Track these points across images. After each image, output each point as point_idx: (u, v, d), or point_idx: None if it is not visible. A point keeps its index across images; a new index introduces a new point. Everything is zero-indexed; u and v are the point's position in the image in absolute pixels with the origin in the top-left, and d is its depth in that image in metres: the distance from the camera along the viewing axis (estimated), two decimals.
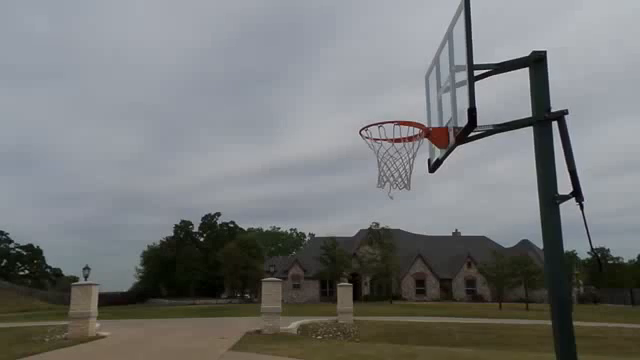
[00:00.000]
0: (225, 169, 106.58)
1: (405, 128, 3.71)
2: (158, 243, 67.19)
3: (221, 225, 69.26)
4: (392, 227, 48.99)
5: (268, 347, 11.07)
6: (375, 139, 3.69)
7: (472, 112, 3.11)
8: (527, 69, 3.49)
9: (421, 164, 3.98)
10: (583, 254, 54.22)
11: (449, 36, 3.51)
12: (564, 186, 3.26)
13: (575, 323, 3.28)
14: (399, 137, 3.68)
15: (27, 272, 64.60)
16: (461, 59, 3.26)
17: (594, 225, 3.35)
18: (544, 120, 3.35)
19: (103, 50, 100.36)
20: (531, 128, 3.43)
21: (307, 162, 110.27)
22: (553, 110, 3.35)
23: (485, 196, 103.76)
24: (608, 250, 67.48)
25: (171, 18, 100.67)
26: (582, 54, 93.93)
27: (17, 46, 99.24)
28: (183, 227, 68.49)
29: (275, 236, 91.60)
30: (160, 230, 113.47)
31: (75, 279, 18.39)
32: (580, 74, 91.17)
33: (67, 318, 14.29)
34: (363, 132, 3.74)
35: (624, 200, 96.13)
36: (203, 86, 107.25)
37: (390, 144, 3.72)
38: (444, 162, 3.94)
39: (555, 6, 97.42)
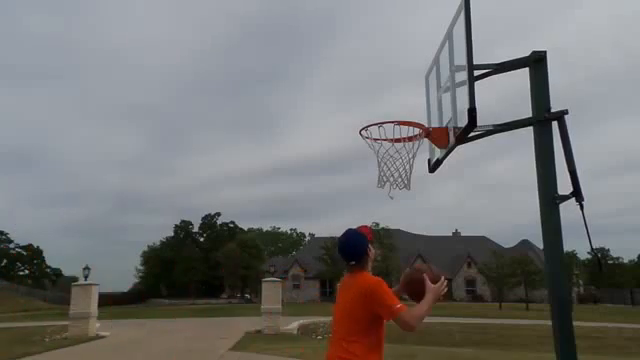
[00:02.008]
0: (225, 169, 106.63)
1: (405, 128, 3.70)
2: (158, 243, 67.16)
3: (221, 225, 69.18)
4: (392, 227, 48.97)
5: (268, 347, 11.07)
6: (375, 139, 3.68)
7: (472, 112, 3.11)
8: (527, 69, 3.49)
9: (421, 164, 3.97)
10: (583, 254, 54.19)
11: (449, 36, 3.51)
12: (564, 186, 3.26)
13: (575, 323, 3.28)
14: (399, 137, 3.68)
15: (27, 272, 64.56)
16: (461, 59, 3.26)
17: (594, 225, 3.35)
18: (544, 120, 3.35)
19: (103, 50, 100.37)
20: (531, 128, 3.43)
21: (307, 162, 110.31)
22: (553, 110, 3.35)
23: (485, 196, 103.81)
24: (608, 250, 67.44)
25: (171, 18, 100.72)
26: (582, 54, 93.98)
27: (17, 46, 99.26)
28: (183, 227, 68.42)
29: (275, 236, 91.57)
30: (160, 230, 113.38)
31: (75, 279, 18.38)
32: (580, 74, 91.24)
33: (67, 318, 14.29)
34: (363, 132, 3.73)
35: (624, 200, 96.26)
36: (203, 86, 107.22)
37: (390, 144, 3.72)
38: (444, 162, 3.94)
39: (555, 6, 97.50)
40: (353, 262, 2.79)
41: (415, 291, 2.81)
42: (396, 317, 2.54)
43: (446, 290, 2.83)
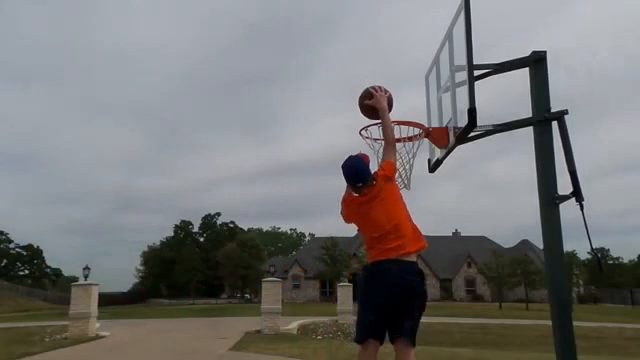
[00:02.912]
0: (225, 169, 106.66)
1: (405, 128, 3.71)
2: (158, 243, 67.17)
3: (221, 225, 69.21)
4: None
5: (268, 347, 11.06)
6: (375, 139, 3.69)
7: (472, 112, 3.11)
8: (527, 69, 3.49)
9: (421, 164, 3.98)
10: (583, 254, 54.11)
11: (449, 36, 3.51)
12: (564, 186, 3.26)
13: (575, 323, 3.27)
14: (399, 137, 3.68)
15: (27, 272, 64.54)
16: (461, 59, 3.26)
17: (594, 225, 3.35)
18: (544, 120, 3.35)
19: (103, 50, 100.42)
20: (531, 128, 3.43)
21: (307, 162, 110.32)
22: (553, 110, 3.35)
23: (485, 196, 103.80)
24: (608, 250, 67.46)
25: (171, 18, 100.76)
26: (582, 54, 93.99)
27: (17, 46, 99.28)
28: (183, 227, 68.45)
29: (275, 236, 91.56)
30: (160, 230, 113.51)
31: (75, 279, 18.39)
32: (580, 74, 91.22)
33: (67, 318, 14.28)
34: (363, 132, 3.74)
35: (624, 200, 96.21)
36: (203, 86, 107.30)
37: None
38: (444, 162, 3.94)
39: (555, 6, 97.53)
40: (360, 184, 3.08)
41: (369, 107, 3.35)
42: (386, 159, 3.18)
43: (383, 94, 3.32)
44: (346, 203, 3.22)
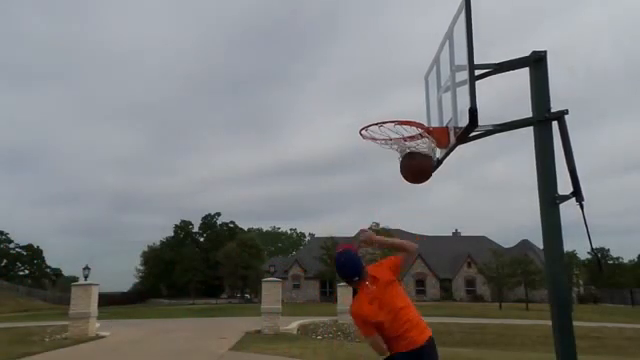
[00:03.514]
0: (225, 169, 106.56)
1: (406, 128, 3.71)
2: (158, 243, 67.12)
3: (221, 225, 69.15)
4: (392, 227, 48.91)
5: (268, 347, 11.07)
6: (375, 139, 3.69)
7: (473, 112, 3.11)
8: (527, 69, 3.49)
9: None
10: (583, 254, 54.07)
11: (449, 36, 3.51)
12: (564, 186, 3.26)
13: (575, 323, 3.28)
14: (399, 137, 3.68)
15: (27, 272, 64.52)
16: (461, 59, 3.25)
17: (594, 225, 3.35)
18: (544, 120, 3.35)
19: (103, 50, 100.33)
20: (531, 128, 3.43)
21: (307, 162, 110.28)
22: (553, 110, 3.35)
23: (485, 196, 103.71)
24: (608, 250, 67.35)
25: (171, 18, 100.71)
26: (582, 54, 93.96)
27: (17, 46, 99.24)
28: (183, 227, 68.40)
29: (275, 236, 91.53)
30: (160, 230, 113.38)
31: (75, 279, 18.38)
32: (580, 74, 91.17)
33: (67, 318, 14.29)
34: (363, 132, 3.74)
35: (624, 200, 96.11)
36: (203, 86, 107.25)
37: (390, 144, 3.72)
38: (444, 162, 3.94)
39: (555, 6, 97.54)
40: (357, 278, 3.20)
41: (413, 171, 3.73)
42: (400, 256, 3.49)
43: (364, 235, 3.47)
44: (362, 313, 3.16)
